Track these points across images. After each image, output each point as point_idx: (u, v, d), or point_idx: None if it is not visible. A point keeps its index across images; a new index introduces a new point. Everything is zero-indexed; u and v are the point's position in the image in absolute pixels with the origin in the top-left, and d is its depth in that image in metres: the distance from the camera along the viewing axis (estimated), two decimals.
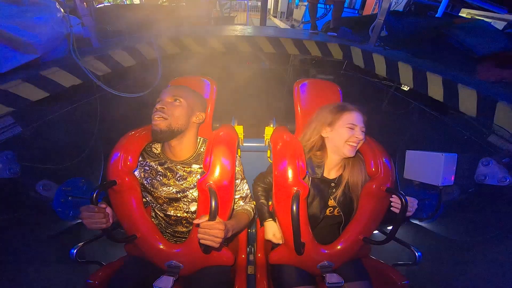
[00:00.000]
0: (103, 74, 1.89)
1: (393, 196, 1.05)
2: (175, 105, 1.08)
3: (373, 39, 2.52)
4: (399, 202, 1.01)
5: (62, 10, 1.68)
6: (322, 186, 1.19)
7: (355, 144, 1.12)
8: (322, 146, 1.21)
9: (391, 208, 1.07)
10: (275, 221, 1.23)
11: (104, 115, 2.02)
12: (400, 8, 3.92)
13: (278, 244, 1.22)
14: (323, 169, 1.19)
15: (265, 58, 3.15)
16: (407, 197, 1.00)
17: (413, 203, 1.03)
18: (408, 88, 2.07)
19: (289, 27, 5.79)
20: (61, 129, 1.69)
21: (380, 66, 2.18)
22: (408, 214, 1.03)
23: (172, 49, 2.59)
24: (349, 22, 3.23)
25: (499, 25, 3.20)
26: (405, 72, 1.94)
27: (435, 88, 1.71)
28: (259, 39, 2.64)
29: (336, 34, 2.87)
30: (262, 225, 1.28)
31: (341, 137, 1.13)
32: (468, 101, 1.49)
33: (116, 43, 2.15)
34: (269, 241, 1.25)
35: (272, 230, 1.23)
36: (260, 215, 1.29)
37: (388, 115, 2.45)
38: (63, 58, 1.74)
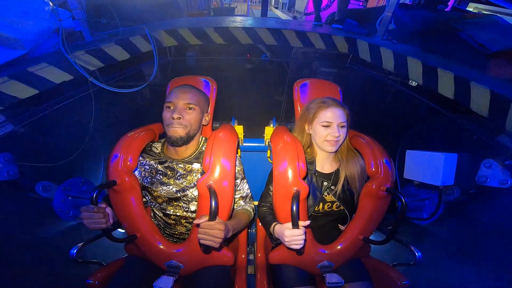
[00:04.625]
0: (95, 69, 1.84)
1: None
2: (190, 112, 1.09)
3: (381, 32, 2.44)
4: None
5: (50, 3, 1.61)
6: (316, 181, 1.19)
7: (333, 142, 1.12)
8: (311, 143, 1.22)
9: None
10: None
11: (101, 111, 1.94)
12: (408, 0, 3.79)
13: (278, 244, 1.22)
14: (315, 164, 1.20)
15: (266, 50, 3.08)
16: None
17: None
18: (416, 84, 2.00)
19: (291, 19, 5.63)
20: (56, 126, 1.65)
21: (387, 60, 2.12)
22: None
23: (169, 41, 2.51)
24: (354, 14, 3.14)
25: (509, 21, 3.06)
26: (415, 68, 1.87)
27: (446, 85, 1.64)
28: (260, 30, 2.56)
29: (341, 27, 2.79)
30: (272, 235, 1.09)
31: (319, 135, 1.14)
32: (480, 99, 1.43)
33: (111, 35, 2.09)
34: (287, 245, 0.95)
35: (291, 233, 0.93)
36: (267, 225, 1.13)
37: (391, 111, 2.39)
38: (52, 53, 1.68)
